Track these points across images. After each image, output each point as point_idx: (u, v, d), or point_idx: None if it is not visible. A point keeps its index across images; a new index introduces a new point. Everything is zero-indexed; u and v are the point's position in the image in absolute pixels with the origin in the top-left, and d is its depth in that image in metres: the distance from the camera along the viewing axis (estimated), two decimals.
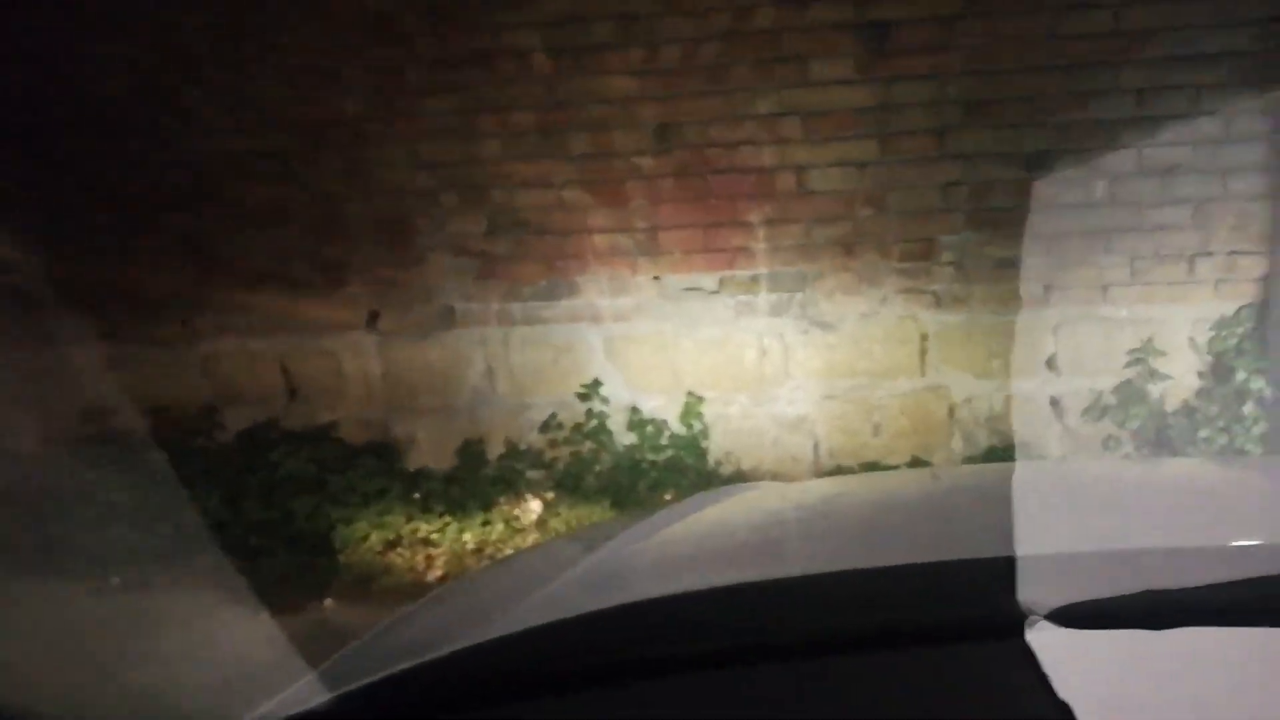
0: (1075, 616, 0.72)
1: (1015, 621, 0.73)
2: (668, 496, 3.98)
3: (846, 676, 0.73)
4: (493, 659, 0.87)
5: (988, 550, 0.91)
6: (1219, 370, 3.80)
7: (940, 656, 0.73)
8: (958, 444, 4.10)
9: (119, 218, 4.37)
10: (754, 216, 4.01)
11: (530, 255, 4.20)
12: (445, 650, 0.87)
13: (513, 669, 0.84)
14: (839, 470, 4.14)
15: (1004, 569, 0.80)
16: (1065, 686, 0.64)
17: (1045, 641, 0.70)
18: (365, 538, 4.00)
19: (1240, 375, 3.73)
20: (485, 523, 4.06)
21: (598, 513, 4.01)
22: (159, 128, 4.25)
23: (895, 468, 4.03)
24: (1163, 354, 3.82)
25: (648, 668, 0.78)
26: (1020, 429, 4.04)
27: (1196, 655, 0.68)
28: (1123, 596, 0.73)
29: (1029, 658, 0.68)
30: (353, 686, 0.84)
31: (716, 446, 4.26)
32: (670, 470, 4.16)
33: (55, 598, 3.59)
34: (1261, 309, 3.74)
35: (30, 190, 4.34)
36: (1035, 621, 0.73)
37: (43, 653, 3.13)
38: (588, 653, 0.85)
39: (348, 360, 4.44)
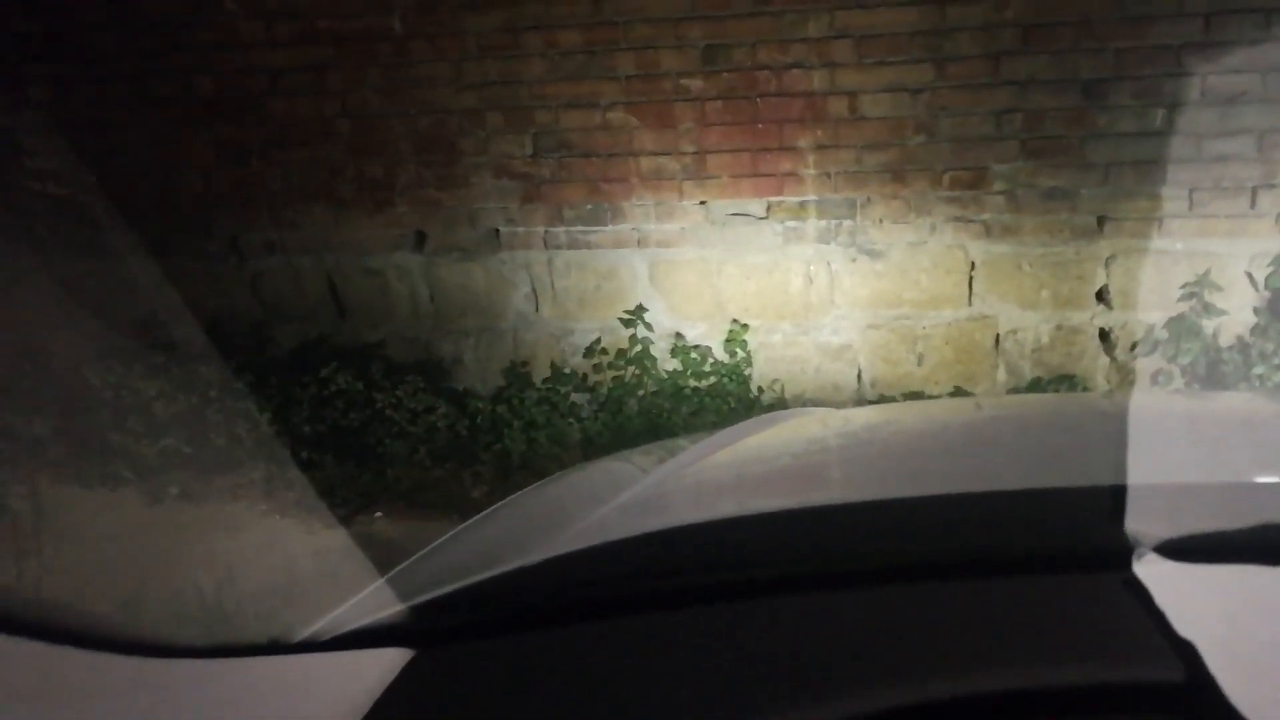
0: (1186, 550, 0.67)
1: (1121, 552, 0.68)
2: (711, 422, 4.00)
3: (927, 602, 0.69)
4: (538, 580, 0.86)
5: (1058, 480, 0.86)
6: (1276, 306, 3.73)
7: (1038, 584, 0.68)
8: (1002, 376, 4.08)
9: (156, 131, 4.39)
10: (803, 141, 3.95)
11: (575, 178, 4.17)
12: (490, 573, 0.86)
13: (556, 591, 0.83)
14: (881, 400, 4.13)
15: (1101, 498, 0.75)
16: (1182, 623, 0.59)
17: (1155, 574, 0.65)
18: (413, 453, 4.07)
19: None
20: (531, 441, 4.11)
21: (641, 439, 4.04)
22: (193, 37, 4.24)
23: (938, 398, 4.02)
24: (1219, 288, 3.75)
25: (696, 592, 0.75)
26: (1067, 361, 4.00)
27: None
28: (1237, 530, 0.68)
29: (1139, 590, 0.63)
30: (421, 599, 0.83)
31: (759, 374, 4.26)
32: (713, 397, 4.18)
33: (113, 505, 3.71)
34: None
35: (74, 104, 4.38)
36: (1143, 554, 0.67)
37: (101, 557, 3.25)
38: (630, 577, 0.83)
39: (394, 280, 4.47)
